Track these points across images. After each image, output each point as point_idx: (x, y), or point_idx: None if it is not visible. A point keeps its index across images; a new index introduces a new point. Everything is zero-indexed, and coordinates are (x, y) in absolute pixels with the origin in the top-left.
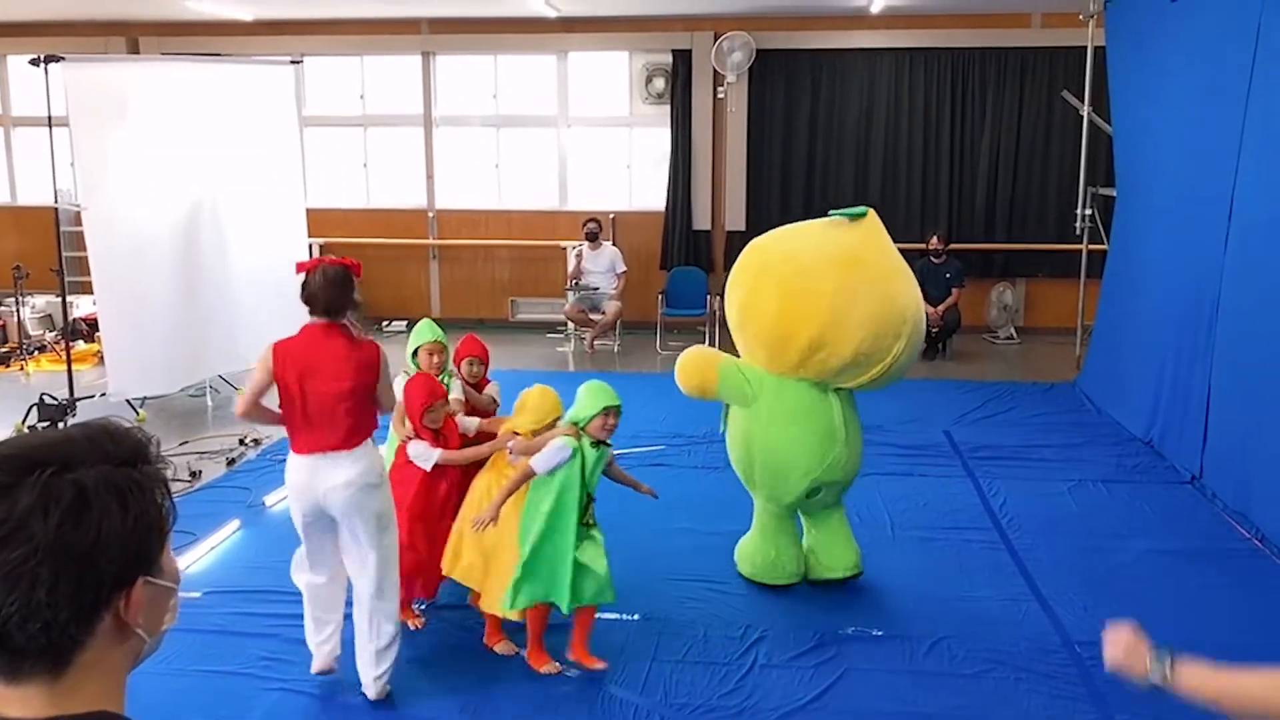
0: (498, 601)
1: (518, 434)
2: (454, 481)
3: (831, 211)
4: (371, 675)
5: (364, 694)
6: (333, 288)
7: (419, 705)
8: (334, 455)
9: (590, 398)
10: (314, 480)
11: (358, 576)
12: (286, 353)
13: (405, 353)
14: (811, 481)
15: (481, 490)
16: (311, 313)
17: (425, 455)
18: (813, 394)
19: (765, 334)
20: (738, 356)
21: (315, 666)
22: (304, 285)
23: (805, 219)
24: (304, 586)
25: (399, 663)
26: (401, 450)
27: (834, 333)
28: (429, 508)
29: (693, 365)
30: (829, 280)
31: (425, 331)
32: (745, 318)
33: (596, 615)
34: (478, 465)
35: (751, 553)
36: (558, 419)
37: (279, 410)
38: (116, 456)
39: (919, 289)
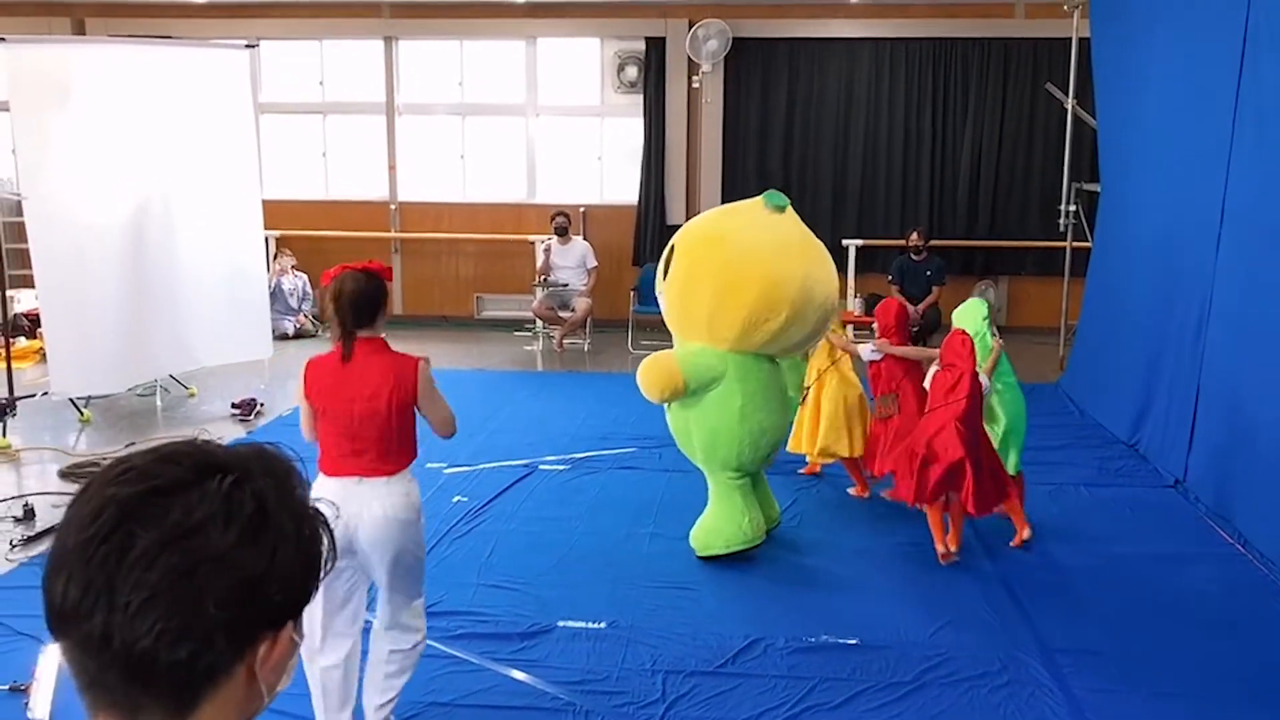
0: None
1: None
2: None
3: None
4: (375, 702)
5: None
6: (358, 300)
7: None
8: (369, 481)
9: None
10: (346, 509)
11: (383, 604)
12: (317, 369)
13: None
14: (774, 443)
15: None
16: (343, 324)
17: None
18: (767, 365)
19: (706, 315)
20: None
21: None
22: (331, 297)
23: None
24: (316, 674)
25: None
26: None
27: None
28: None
29: (656, 373)
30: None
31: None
32: (688, 301)
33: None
34: None
35: (733, 524)
36: None
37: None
38: (286, 483)
39: (819, 268)
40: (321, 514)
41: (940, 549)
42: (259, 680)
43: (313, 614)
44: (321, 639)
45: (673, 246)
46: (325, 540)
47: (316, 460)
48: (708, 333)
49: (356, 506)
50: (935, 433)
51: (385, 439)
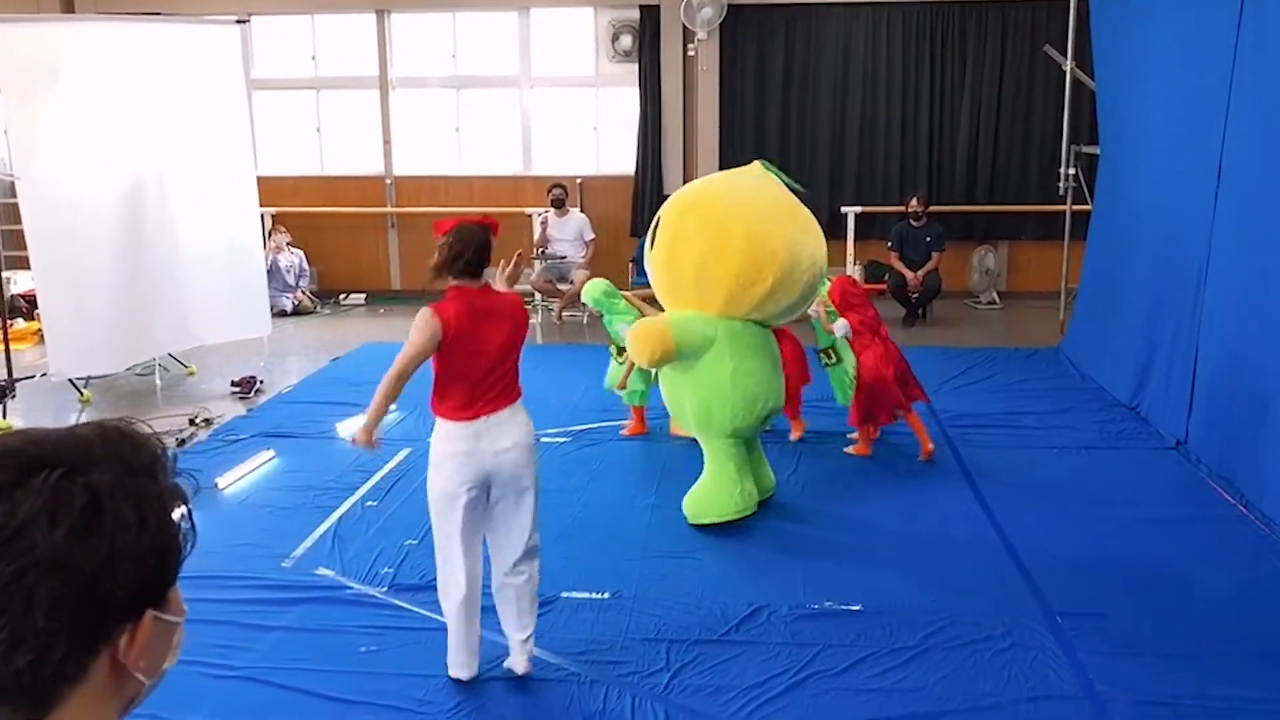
0: None
1: None
2: None
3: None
4: (520, 637)
5: (507, 669)
6: (478, 246)
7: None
8: (498, 416)
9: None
10: (480, 446)
11: (505, 548)
12: (453, 314)
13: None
14: (769, 408)
15: None
16: (459, 273)
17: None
18: (758, 330)
19: (693, 280)
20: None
21: (469, 674)
22: (451, 243)
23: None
24: (463, 585)
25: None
26: None
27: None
28: None
29: (647, 336)
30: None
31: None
32: (675, 267)
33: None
34: None
35: (725, 493)
36: None
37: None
38: (134, 464)
39: (805, 232)
40: (177, 489)
41: (930, 447)
42: (129, 668)
43: (453, 551)
44: (465, 553)
45: (659, 218)
46: (181, 520)
47: (432, 407)
48: (696, 298)
49: (490, 443)
50: (887, 356)
51: (512, 370)
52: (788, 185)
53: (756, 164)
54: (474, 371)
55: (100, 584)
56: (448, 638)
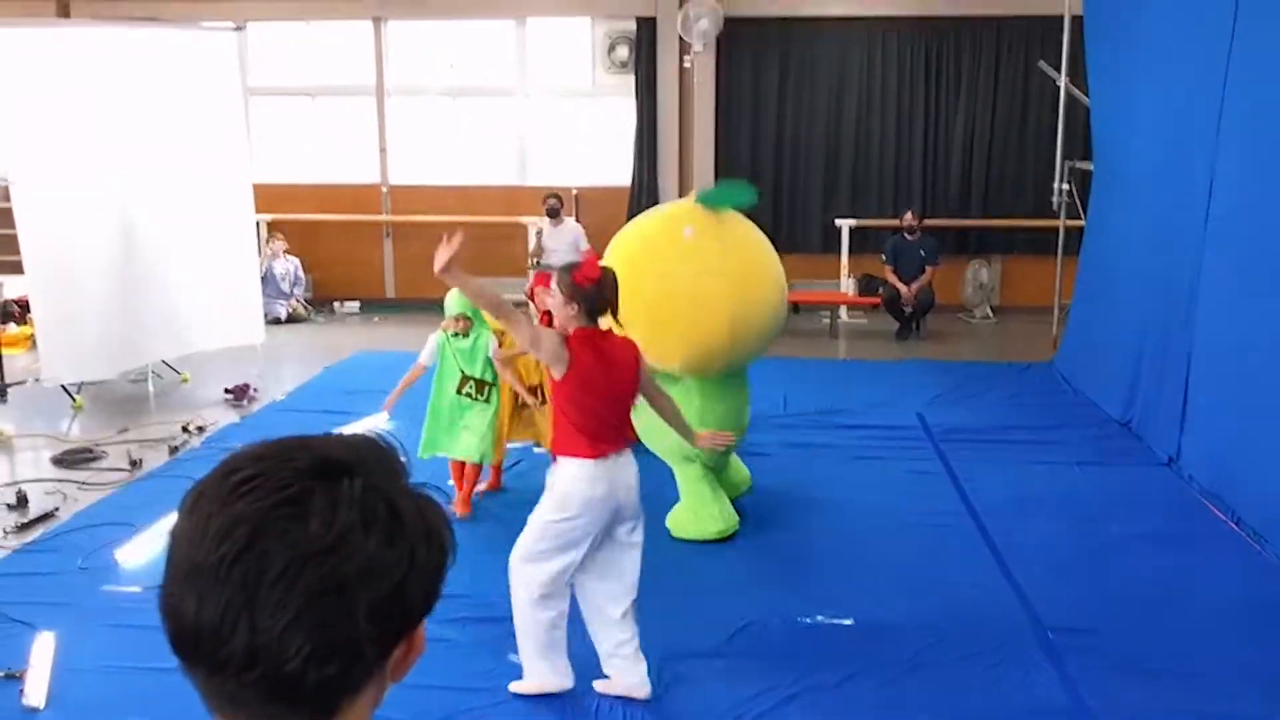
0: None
1: None
2: None
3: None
4: (643, 672)
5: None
6: (617, 291)
7: None
8: (625, 453)
9: (449, 303)
10: (613, 486)
11: (619, 579)
12: (584, 349)
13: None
14: (738, 434)
15: None
16: (594, 317)
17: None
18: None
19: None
20: None
21: (565, 684)
22: (597, 292)
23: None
24: (547, 621)
25: None
26: None
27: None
28: None
29: None
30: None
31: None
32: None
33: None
34: None
35: (706, 513)
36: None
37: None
38: (402, 476)
39: (749, 290)
40: (436, 501)
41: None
42: (389, 678)
43: (552, 568)
44: (554, 589)
45: None
46: (447, 529)
47: (554, 444)
48: (655, 358)
49: (621, 479)
50: None
51: (629, 411)
52: (732, 194)
53: (690, 200)
54: (604, 406)
55: (403, 593)
56: (534, 653)
